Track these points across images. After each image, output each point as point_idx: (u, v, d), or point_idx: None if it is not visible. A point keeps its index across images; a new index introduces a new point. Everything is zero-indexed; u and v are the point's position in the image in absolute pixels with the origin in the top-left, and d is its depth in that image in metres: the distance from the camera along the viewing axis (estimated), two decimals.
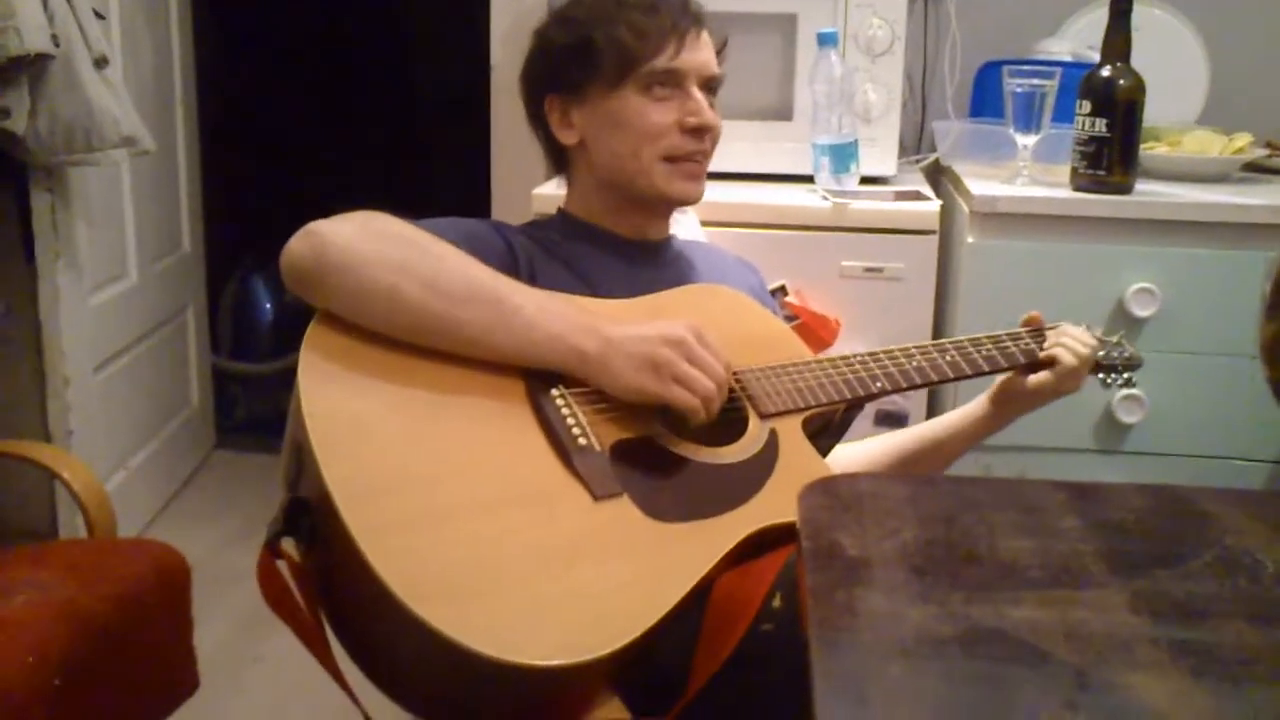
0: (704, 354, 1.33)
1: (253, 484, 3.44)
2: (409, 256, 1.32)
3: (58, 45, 2.36)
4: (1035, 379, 1.58)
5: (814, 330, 2.19)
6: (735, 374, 1.44)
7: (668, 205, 1.63)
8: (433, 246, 1.36)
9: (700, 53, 1.56)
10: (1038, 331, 1.63)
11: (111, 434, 2.97)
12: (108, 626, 1.69)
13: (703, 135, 1.56)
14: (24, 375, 2.70)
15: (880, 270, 2.25)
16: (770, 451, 1.38)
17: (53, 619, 1.63)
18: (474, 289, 1.33)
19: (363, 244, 1.32)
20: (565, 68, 1.57)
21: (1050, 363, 1.58)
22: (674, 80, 1.54)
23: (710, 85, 1.58)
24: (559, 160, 1.65)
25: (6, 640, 1.56)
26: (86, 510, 1.94)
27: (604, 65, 1.53)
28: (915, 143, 2.88)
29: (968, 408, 1.67)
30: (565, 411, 1.32)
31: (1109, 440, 2.26)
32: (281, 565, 1.25)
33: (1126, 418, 2.23)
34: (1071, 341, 1.58)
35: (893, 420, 2.19)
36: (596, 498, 1.25)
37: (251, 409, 3.90)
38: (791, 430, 1.42)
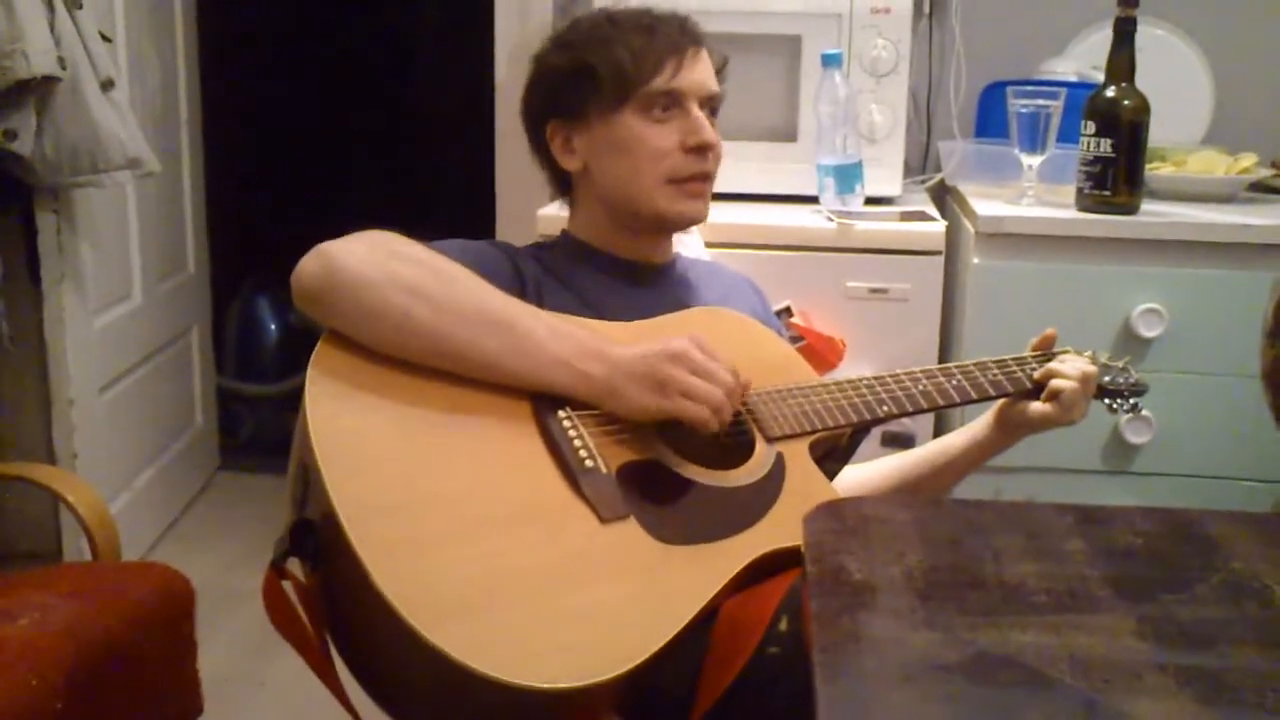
0: (708, 363, 1.33)
1: (257, 505, 3.43)
2: (420, 278, 1.32)
3: (64, 68, 2.37)
4: (1037, 409, 1.57)
5: (819, 351, 2.18)
6: (742, 397, 1.43)
7: (673, 226, 1.62)
8: (444, 268, 1.36)
9: (698, 71, 1.55)
10: (1046, 357, 1.63)
11: (116, 455, 2.97)
12: (111, 650, 1.68)
13: (705, 154, 1.55)
14: (29, 397, 2.70)
15: (885, 291, 2.25)
16: (777, 475, 1.38)
17: (56, 642, 1.62)
18: (485, 312, 1.33)
19: (374, 265, 1.32)
20: (565, 93, 1.57)
21: (1053, 394, 1.58)
22: (673, 100, 1.53)
23: (711, 104, 1.58)
24: (563, 185, 1.65)
25: (10, 663, 1.56)
26: (90, 532, 1.94)
27: (603, 89, 1.53)
28: (920, 163, 2.88)
29: (973, 430, 1.66)
30: (572, 433, 1.31)
31: (1117, 461, 2.26)
32: (287, 586, 1.25)
33: (1135, 438, 2.23)
34: (1072, 372, 1.57)
35: (899, 442, 2.18)
36: (603, 520, 1.25)
37: (256, 430, 3.90)
38: (798, 454, 1.41)
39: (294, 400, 1.27)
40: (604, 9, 1.62)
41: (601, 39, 1.55)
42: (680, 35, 1.55)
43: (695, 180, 1.56)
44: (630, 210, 1.57)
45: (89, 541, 1.95)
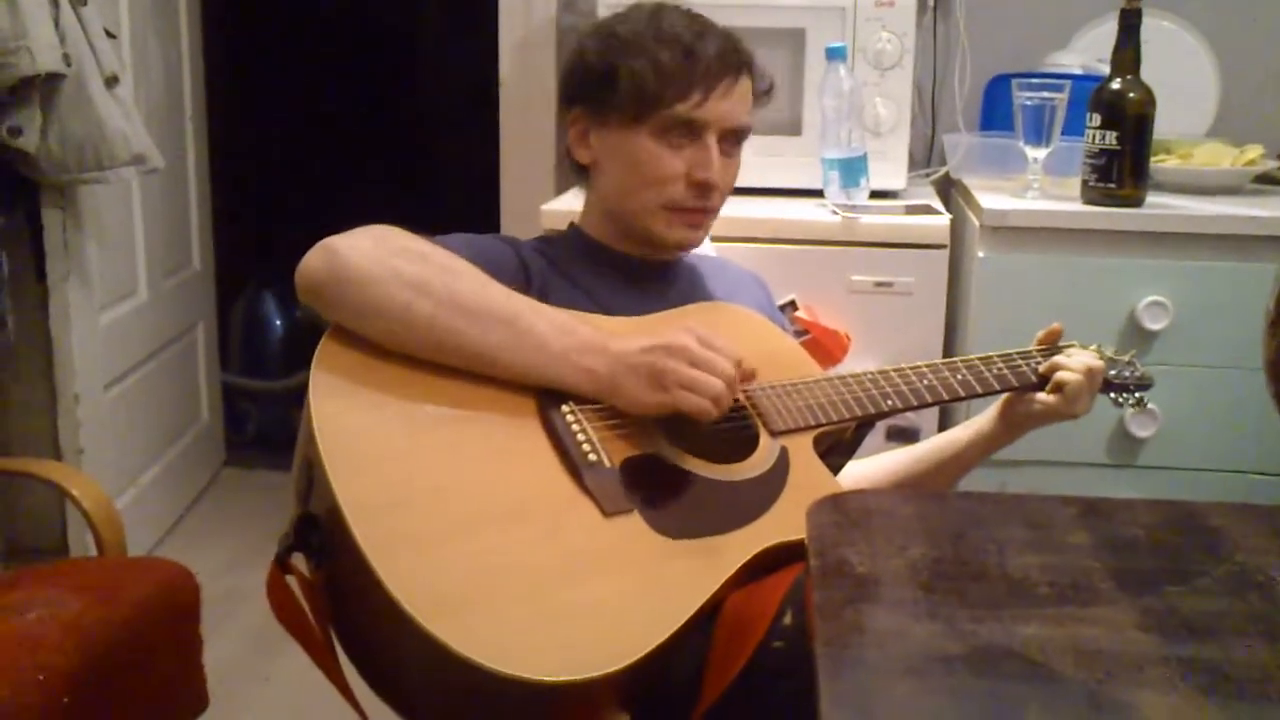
0: (706, 354, 1.32)
1: (263, 501, 3.44)
2: (424, 273, 1.32)
3: (69, 65, 2.37)
4: (1043, 401, 1.57)
5: (824, 345, 2.18)
6: (745, 391, 1.43)
7: (663, 249, 1.60)
8: (448, 263, 1.35)
9: (727, 103, 1.51)
10: (1051, 350, 1.62)
11: (122, 451, 2.97)
12: (117, 645, 1.69)
13: (709, 190, 1.53)
14: (35, 393, 2.70)
15: (890, 285, 2.25)
16: (781, 469, 1.37)
17: (62, 637, 1.62)
18: (488, 307, 1.33)
19: (378, 260, 1.32)
20: (591, 87, 1.54)
21: (1058, 386, 1.57)
22: (692, 130, 1.50)
23: (735, 136, 1.55)
24: (579, 171, 1.64)
25: (16, 658, 1.56)
26: (96, 528, 1.94)
27: (623, 100, 1.50)
28: (925, 156, 2.87)
29: (978, 423, 1.66)
30: (576, 427, 1.31)
31: (1123, 455, 2.25)
32: (291, 581, 1.25)
33: (1140, 432, 2.22)
34: (1078, 365, 1.57)
35: (904, 436, 2.18)
36: (606, 514, 1.25)
37: (262, 426, 3.90)
38: (802, 448, 1.41)
39: (300, 396, 1.27)
40: (659, 5, 1.58)
41: (637, 45, 1.51)
42: (718, 63, 1.50)
43: (694, 213, 1.54)
44: (624, 221, 1.57)
45: (94, 537, 1.95)
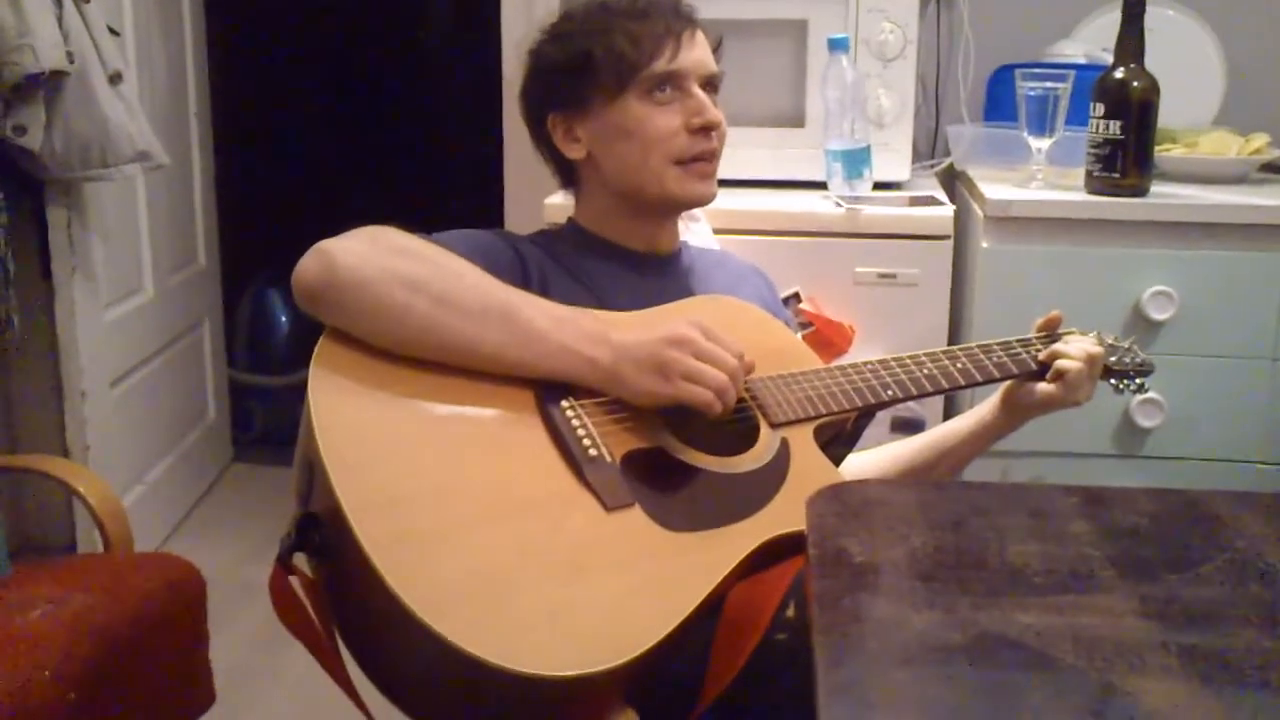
0: (711, 347, 1.32)
1: (270, 497, 3.44)
2: (420, 273, 1.32)
3: (73, 62, 2.38)
4: (1044, 389, 1.57)
5: (828, 337, 2.18)
6: (746, 383, 1.43)
7: (681, 208, 1.62)
8: (444, 262, 1.35)
9: (696, 51, 1.55)
10: (1052, 338, 1.62)
11: (129, 448, 2.98)
12: (124, 641, 1.69)
13: (710, 133, 1.55)
14: (41, 390, 2.71)
15: (894, 276, 2.24)
16: (782, 460, 1.37)
17: (69, 634, 1.63)
18: (486, 304, 1.33)
19: (374, 262, 1.32)
20: (565, 84, 1.56)
21: (1059, 373, 1.57)
22: (674, 82, 1.53)
23: (711, 83, 1.58)
24: (567, 176, 1.65)
25: (23, 655, 1.57)
26: (103, 525, 1.95)
27: (604, 76, 1.53)
28: (929, 147, 2.87)
29: (980, 412, 1.65)
30: (576, 423, 1.31)
31: (1127, 445, 2.25)
32: (294, 580, 1.25)
33: (1145, 422, 2.22)
34: (1078, 352, 1.57)
35: (909, 427, 2.18)
36: (608, 508, 1.24)
37: (268, 422, 3.90)
38: (803, 439, 1.41)
39: (305, 392, 1.28)
40: None
41: (598, 27, 1.55)
42: (675, 17, 1.55)
43: (701, 160, 1.56)
44: (638, 194, 1.57)
45: (101, 534, 1.96)
